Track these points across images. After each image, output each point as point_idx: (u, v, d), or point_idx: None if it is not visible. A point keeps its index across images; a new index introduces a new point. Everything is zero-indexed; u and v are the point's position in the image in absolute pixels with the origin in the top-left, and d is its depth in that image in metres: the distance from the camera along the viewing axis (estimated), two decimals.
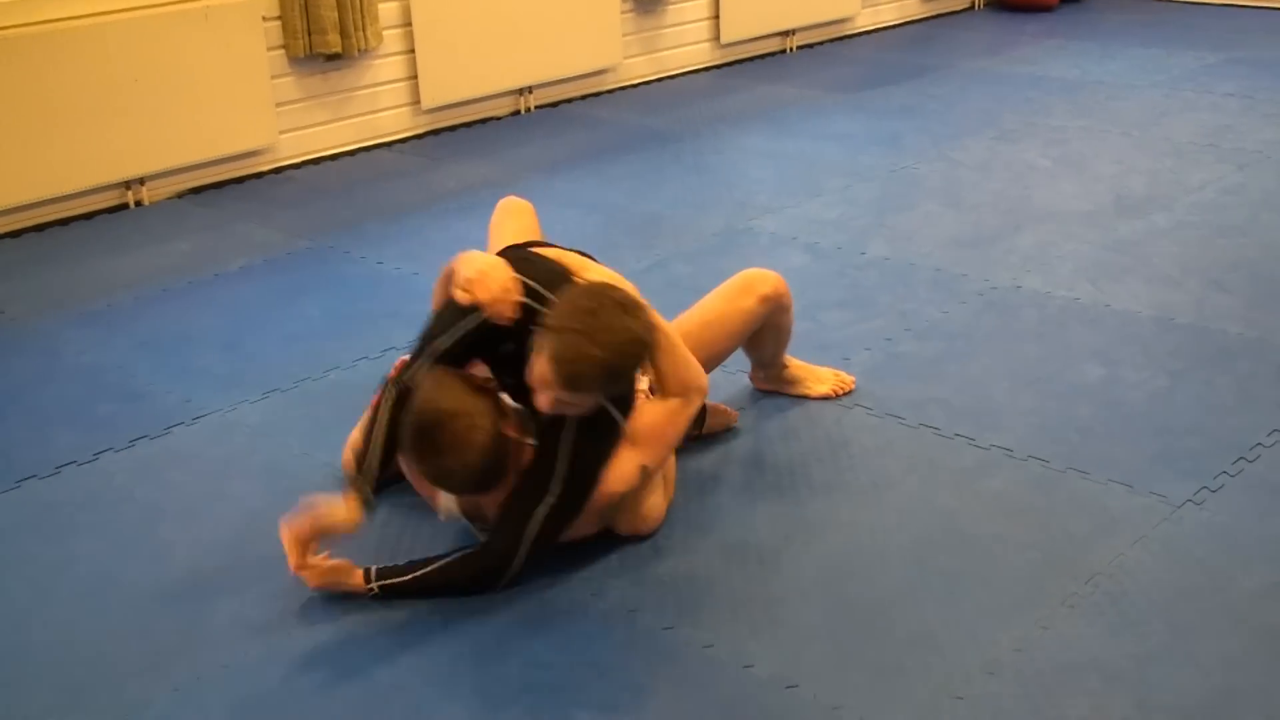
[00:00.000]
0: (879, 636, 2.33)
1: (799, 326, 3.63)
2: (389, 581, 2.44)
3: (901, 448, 2.98)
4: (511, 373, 2.50)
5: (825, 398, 3.19)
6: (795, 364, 3.22)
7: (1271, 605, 2.39)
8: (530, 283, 2.48)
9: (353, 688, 2.26)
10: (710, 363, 2.88)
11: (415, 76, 5.62)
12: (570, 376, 2.28)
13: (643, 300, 2.44)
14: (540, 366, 2.31)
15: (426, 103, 5.68)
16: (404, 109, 5.67)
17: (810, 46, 7.30)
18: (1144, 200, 4.56)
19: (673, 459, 2.78)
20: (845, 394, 3.21)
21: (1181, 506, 2.70)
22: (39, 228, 4.68)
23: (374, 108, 5.56)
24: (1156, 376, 3.27)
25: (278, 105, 5.19)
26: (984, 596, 2.43)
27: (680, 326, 2.89)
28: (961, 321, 3.64)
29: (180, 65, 4.83)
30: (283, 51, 5.17)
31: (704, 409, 2.95)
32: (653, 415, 2.54)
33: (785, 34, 7.18)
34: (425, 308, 3.93)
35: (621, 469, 2.49)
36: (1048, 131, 5.45)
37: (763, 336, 3.04)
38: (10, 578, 2.63)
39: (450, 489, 2.49)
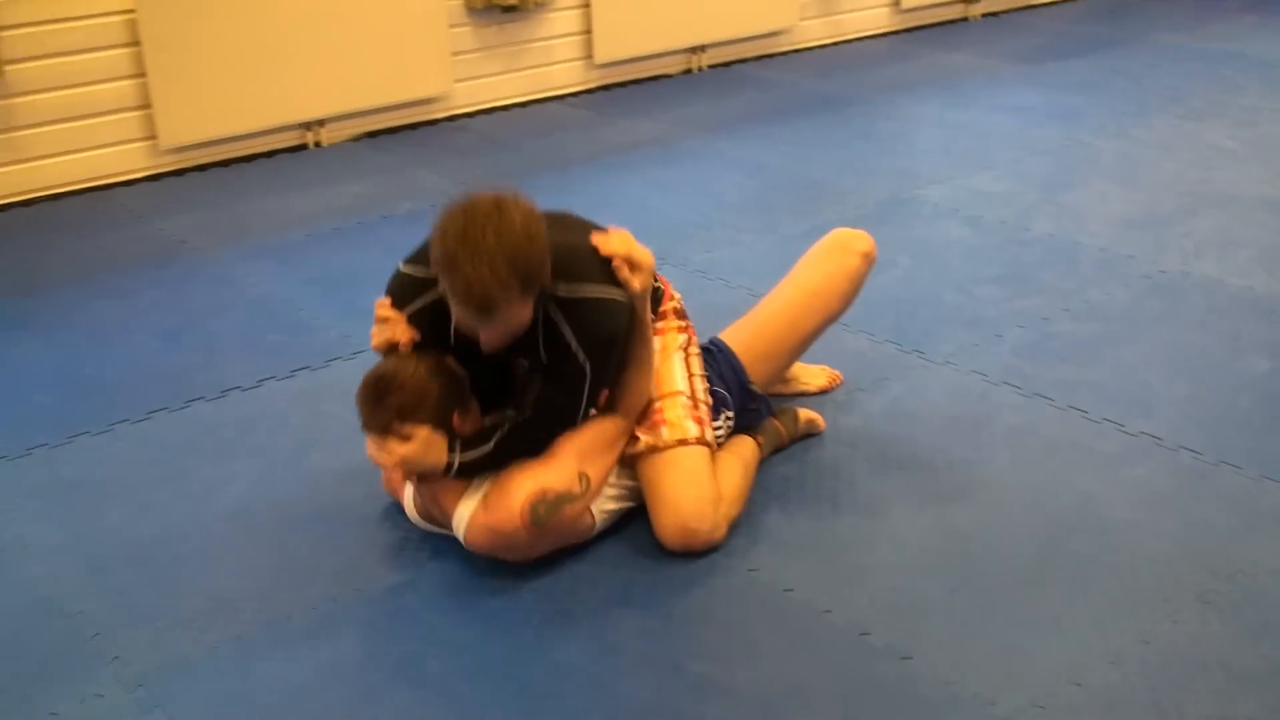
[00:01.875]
0: (1001, 615, 2.31)
1: (951, 299, 3.59)
2: (469, 456, 2.38)
3: (1046, 429, 2.92)
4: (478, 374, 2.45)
5: (823, 391, 3.05)
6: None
7: None
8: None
9: (476, 615, 2.34)
10: (820, 330, 2.80)
11: (589, 31, 5.67)
12: (481, 307, 2.14)
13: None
14: (456, 314, 2.20)
15: (599, 58, 5.73)
16: (577, 63, 5.73)
17: (995, 15, 7.12)
18: None
19: (739, 470, 2.60)
20: (837, 387, 3.07)
21: None
22: (224, 163, 4.89)
23: (548, 60, 5.63)
24: None
25: (454, 54, 5.30)
26: (1114, 584, 2.38)
27: (785, 298, 2.79)
28: (1123, 305, 3.54)
29: (363, 11, 4.97)
30: (461, 1, 5.28)
31: (794, 414, 2.82)
32: (599, 431, 2.45)
33: (969, 0, 7.02)
34: None
35: (561, 467, 2.38)
36: (1238, 112, 5.22)
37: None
38: (169, 492, 2.78)
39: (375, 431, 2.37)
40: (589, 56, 5.73)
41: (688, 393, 2.54)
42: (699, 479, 2.46)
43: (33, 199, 4.56)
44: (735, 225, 4.18)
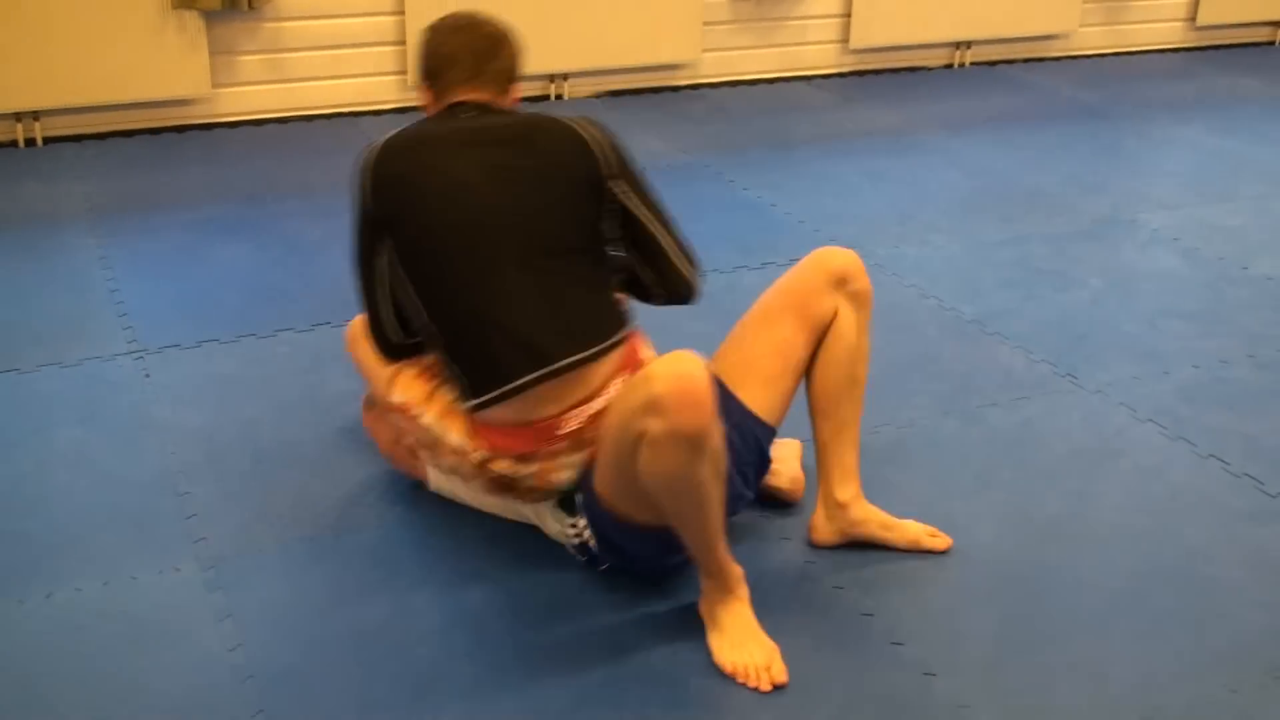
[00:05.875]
0: (1046, 654, 2.20)
1: (1130, 329, 3.40)
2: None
3: (1176, 474, 2.74)
4: None
5: (911, 549, 2.45)
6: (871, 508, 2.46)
7: None
8: None
9: (524, 549, 2.41)
10: (794, 341, 2.34)
11: (849, 15, 5.61)
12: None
13: None
14: None
15: (855, 43, 5.66)
16: (831, 45, 5.68)
17: None
18: None
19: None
20: (935, 551, 2.45)
21: None
22: None
23: (801, 40, 5.61)
24: None
25: (705, 24, 5.35)
26: (1185, 644, 2.23)
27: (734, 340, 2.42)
28: None
29: None
30: None
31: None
32: None
33: (1278, 24, 6.54)
34: (771, 238, 3.99)
35: None
36: None
37: (827, 363, 2.35)
38: (305, 400, 2.98)
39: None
40: (845, 40, 5.67)
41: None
42: None
43: (288, 117, 4.91)
44: (932, 224, 4.08)
